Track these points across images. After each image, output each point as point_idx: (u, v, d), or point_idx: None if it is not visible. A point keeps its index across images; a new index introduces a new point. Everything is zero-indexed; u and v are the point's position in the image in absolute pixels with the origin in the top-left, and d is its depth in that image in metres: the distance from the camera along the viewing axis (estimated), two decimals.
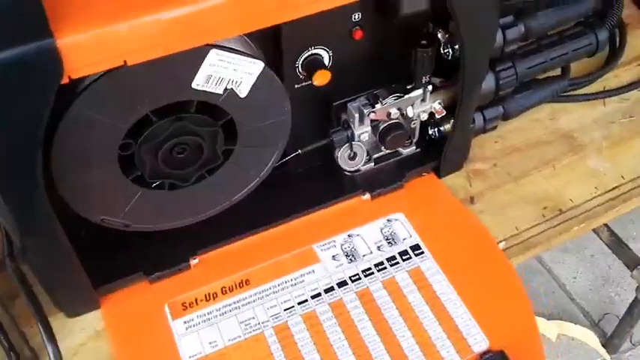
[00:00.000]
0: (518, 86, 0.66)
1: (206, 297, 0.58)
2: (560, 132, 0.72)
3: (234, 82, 0.48)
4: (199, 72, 0.46)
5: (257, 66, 0.48)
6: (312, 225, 0.63)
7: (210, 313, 0.57)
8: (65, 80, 0.40)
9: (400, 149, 0.65)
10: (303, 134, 0.60)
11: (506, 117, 0.68)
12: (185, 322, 0.57)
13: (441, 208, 0.65)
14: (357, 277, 0.60)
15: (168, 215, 0.56)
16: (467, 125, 0.63)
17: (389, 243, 0.62)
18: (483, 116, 0.65)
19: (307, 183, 0.63)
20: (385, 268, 0.60)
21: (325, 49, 0.56)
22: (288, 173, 0.63)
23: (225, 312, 0.57)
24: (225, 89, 0.48)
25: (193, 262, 0.60)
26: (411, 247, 0.62)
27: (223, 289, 0.59)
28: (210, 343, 0.56)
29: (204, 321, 0.57)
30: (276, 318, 0.57)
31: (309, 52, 0.55)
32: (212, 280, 0.59)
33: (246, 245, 0.62)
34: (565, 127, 0.73)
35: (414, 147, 0.65)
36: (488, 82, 0.61)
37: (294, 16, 0.46)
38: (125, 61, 0.42)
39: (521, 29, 0.60)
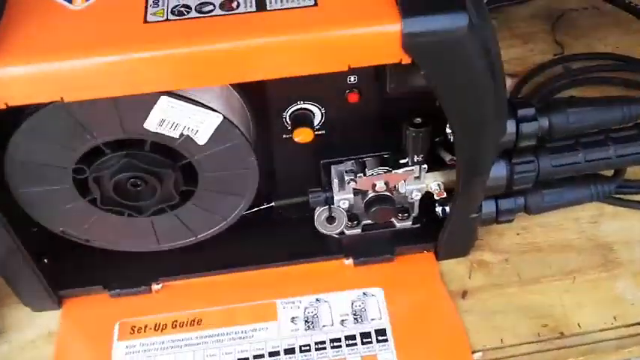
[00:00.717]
0: (548, 181, 0.58)
1: (155, 326, 0.58)
2: (598, 240, 0.63)
3: (190, 129, 0.47)
4: (151, 115, 0.45)
5: (214, 118, 0.46)
6: (283, 277, 0.60)
7: (153, 344, 0.57)
8: (2, 106, 0.41)
9: (394, 221, 0.60)
10: (292, 184, 0.58)
11: (528, 211, 0.60)
12: (127, 347, 0.57)
13: (424, 294, 0.59)
14: (308, 348, 0.56)
15: (129, 239, 0.56)
16: (467, 214, 0.56)
17: (355, 319, 0.58)
18: (497, 205, 0.58)
19: (291, 233, 0.60)
20: (340, 346, 0.56)
21: (317, 106, 0.53)
22: (274, 219, 0.61)
23: (167, 347, 0.57)
24: (182, 134, 0.47)
25: (156, 287, 0.60)
26: (376, 331, 0.57)
27: (174, 322, 0.58)
28: None
29: (145, 351, 0.57)
30: None
31: (299, 106, 0.52)
32: (167, 310, 0.59)
33: (212, 283, 0.60)
34: (605, 236, 0.63)
35: (410, 222, 0.60)
36: (498, 173, 0.54)
37: (243, 79, 0.44)
38: (62, 98, 0.42)
39: (543, 124, 0.52)
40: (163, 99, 0.45)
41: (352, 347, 0.56)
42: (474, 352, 0.56)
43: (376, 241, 0.61)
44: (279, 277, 0.60)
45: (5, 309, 0.60)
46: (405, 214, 0.60)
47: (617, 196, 0.65)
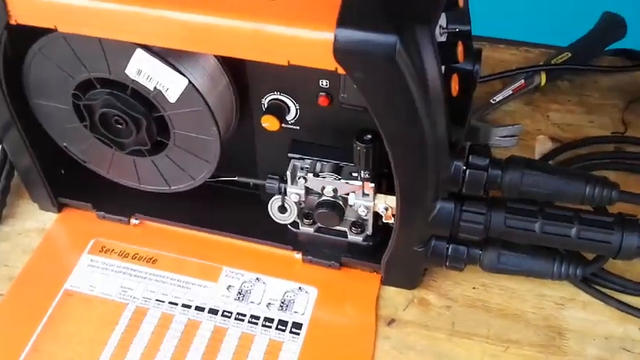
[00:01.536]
0: (508, 241, 0.57)
1: (120, 252, 0.66)
2: (553, 322, 0.59)
3: (162, 85, 0.53)
4: (130, 63, 0.53)
5: (180, 80, 0.53)
6: (237, 249, 0.65)
7: (112, 266, 0.65)
8: (13, 22, 0.51)
9: (347, 232, 0.62)
10: (265, 167, 0.62)
11: (481, 266, 0.59)
12: (91, 260, 0.65)
13: (352, 309, 0.61)
14: (229, 315, 0.61)
15: (116, 171, 0.64)
16: (409, 245, 0.57)
17: (281, 306, 0.61)
18: (447, 248, 0.58)
19: (259, 213, 0.64)
20: (256, 324, 0.60)
21: (292, 101, 0.57)
22: (251, 195, 0.66)
23: (120, 272, 0.64)
24: (155, 88, 0.54)
25: (134, 221, 0.68)
26: (293, 323, 0.60)
27: (135, 254, 0.66)
28: (90, 285, 0.63)
29: (102, 268, 0.65)
30: (145, 301, 0.62)
31: (275, 96, 0.57)
32: (134, 243, 0.66)
33: (177, 233, 0.67)
34: (564, 321, 0.59)
35: (361, 238, 0.61)
36: (444, 213, 0.54)
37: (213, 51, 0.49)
38: (55, 27, 0.50)
39: (494, 177, 0.51)
40: (139, 51, 0.52)
41: (266, 329, 0.60)
42: None
43: (327, 245, 0.63)
44: (234, 247, 0.65)
45: (20, 200, 0.71)
46: (359, 229, 0.61)
47: (597, 287, 0.61)
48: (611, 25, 0.87)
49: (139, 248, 0.66)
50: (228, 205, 0.67)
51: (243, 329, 0.60)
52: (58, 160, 0.66)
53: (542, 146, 0.76)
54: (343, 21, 0.44)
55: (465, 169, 0.52)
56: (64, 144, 0.63)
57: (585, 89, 0.83)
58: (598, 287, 0.61)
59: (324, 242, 0.63)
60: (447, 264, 0.59)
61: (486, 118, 0.79)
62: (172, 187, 0.64)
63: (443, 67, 0.54)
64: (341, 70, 0.46)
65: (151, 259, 0.65)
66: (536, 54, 0.86)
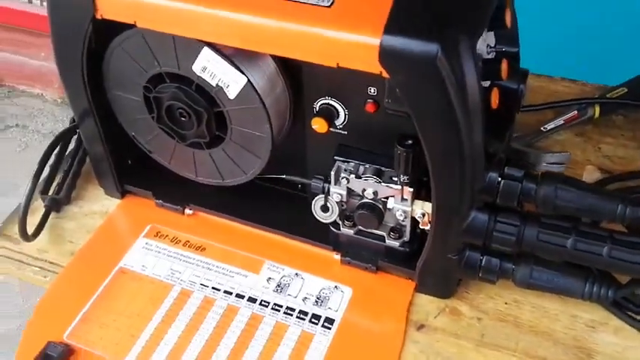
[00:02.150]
0: (541, 257, 0.58)
1: (173, 239, 0.71)
2: (583, 343, 0.60)
3: (223, 83, 0.58)
4: (197, 59, 0.58)
5: (240, 79, 0.57)
6: (281, 244, 0.69)
7: (164, 250, 0.70)
8: (98, 17, 0.57)
9: (386, 237, 0.64)
10: (315, 168, 0.65)
11: (514, 280, 0.60)
12: (146, 244, 0.70)
13: (384, 312, 0.63)
14: (266, 304, 0.64)
15: (177, 163, 0.69)
16: (443, 252, 0.59)
17: (316, 302, 0.64)
18: (481, 260, 0.59)
19: (304, 211, 0.67)
20: (291, 315, 0.63)
21: (342, 107, 0.60)
22: (298, 194, 0.70)
23: (171, 256, 0.69)
24: (217, 85, 0.59)
25: (188, 211, 0.72)
26: (326, 318, 0.63)
27: (187, 242, 0.70)
28: (142, 265, 0.68)
29: (155, 251, 0.69)
30: (190, 284, 0.66)
31: (326, 100, 0.60)
32: (187, 231, 0.71)
33: (227, 225, 0.71)
34: (594, 344, 0.60)
35: (398, 243, 0.64)
36: (478, 222, 0.56)
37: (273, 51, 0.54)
38: (135, 22, 0.56)
39: (528, 190, 0.53)
40: (205, 49, 0.57)
41: (300, 320, 0.63)
42: None
43: (365, 248, 0.66)
44: (278, 243, 0.69)
45: (89, 184, 0.77)
46: (397, 234, 0.64)
47: (630, 313, 0.61)
48: None
49: (190, 236, 0.71)
50: (275, 203, 0.71)
51: (278, 319, 0.63)
52: (126, 151, 0.72)
53: (590, 176, 0.76)
54: (390, 28, 0.48)
55: (500, 180, 0.54)
56: (133, 134, 0.69)
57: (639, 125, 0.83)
58: (631, 313, 0.62)
59: (363, 245, 0.66)
60: (480, 275, 0.61)
61: (536, 145, 0.80)
62: (226, 181, 0.68)
63: (488, 83, 0.57)
64: (385, 74, 0.50)
65: (200, 247, 0.70)
66: (591, 88, 0.87)
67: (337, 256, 0.67)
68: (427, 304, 0.64)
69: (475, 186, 0.54)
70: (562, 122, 0.82)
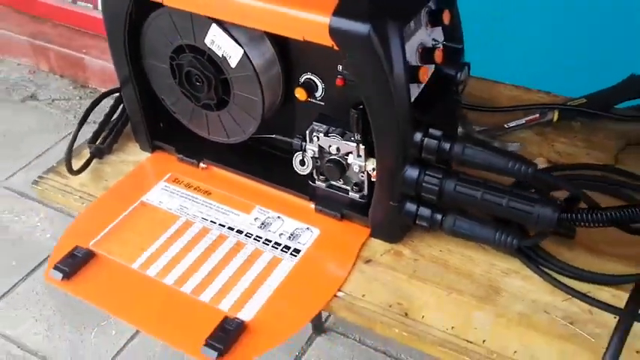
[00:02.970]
0: (464, 210, 0.72)
1: (187, 184, 0.89)
2: (494, 284, 0.73)
3: (227, 54, 0.76)
4: (207, 34, 0.76)
5: (238, 51, 0.75)
6: (269, 193, 0.86)
7: (178, 191, 0.88)
8: None
9: (350, 191, 0.80)
10: (301, 130, 0.82)
11: (442, 229, 0.74)
12: (165, 186, 0.89)
13: (340, 248, 0.78)
14: (250, 235, 0.81)
15: (194, 121, 0.87)
16: (386, 200, 0.74)
17: (289, 237, 0.80)
18: (417, 208, 0.74)
19: (289, 169, 0.83)
20: (267, 245, 0.80)
21: (320, 81, 0.77)
22: (287, 157, 0.86)
23: (182, 196, 0.87)
24: (223, 55, 0.77)
25: (202, 165, 0.90)
26: (294, 249, 0.79)
27: (197, 187, 0.88)
28: (159, 201, 0.86)
29: (171, 192, 0.88)
30: (193, 217, 0.84)
31: (309, 75, 0.77)
32: (199, 180, 0.89)
33: (229, 176, 0.89)
34: (504, 286, 0.73)
35: (358, 196, 0.79)
36: (411, 174, 0.71)
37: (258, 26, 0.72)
38: (162, 2, 0.75)
39: (444, 147, 0.68)
40: (214, 26, 0.75)
41: (273, 249, 0.79)
42: (339, 291, 0.73)
43: (334, 199, 0.82)
44: (267, 192, 0.86)
45: (129, 141, 0.96)
46: (358, 188, 0.79)
47: (541, 267, 0.74)
48: (633, 84, 1.00)
49: (200, 183, 0.89)
50: (268, 161, 0.88)
51: (257, 246, 0.79)
52: (158, 114, 0.91)
53: (542, 165, 0.90)
54: (337, 11, 0.65)
55: (423, 138, 0.69)
56: (162, 97, 0.88)
57: (594, 131, 0.96)
58: (541, 267, 0.75)
59: (332, 197, 0.82)
60: (416, 222, 0.75)
61: (500, 138, 0.94)
62: (230, 139, 0.86)
63: (432, 67, 0.73)
64: (335, 47, 0.66)
65: (206, 191, 0.87)
66: (560, 98, 1.01)
67: (312, 205, 0.83)
68: (377, 246, 0.79)
69: (405, 143, 0.70)
70: (524, 122, 0.96)
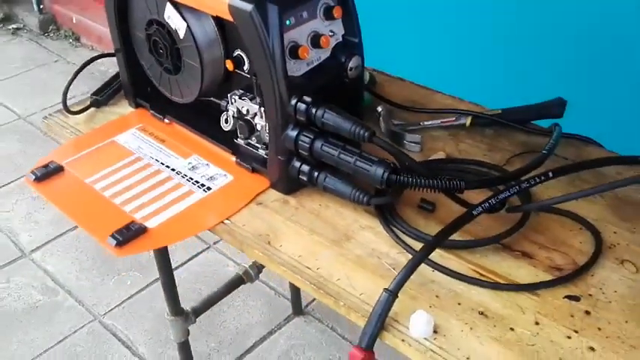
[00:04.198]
0: (336, 169, 0.89)
1: (150, 133, 1.12)
2: (349, 234, 0.89)
3: (177, 27, 0.98)
4: (165, 10, 0.99)
5: (183, 24, 0.97)
6: (205, 146, 1.06)
7: (142, 136, 1.11)
8: None
9: (260, 148, 0.99)
10: None
11: (318, 184, 0.91)
12: (134, 132, 1.12)
13: (241, 191, 0.97)
14: (179, 173, 1.02)
15: (162, 84, 1.10)
16: (276, 158, 0.92)
17: (208, 178, 1.00)
18: (300, 165, 0.92)
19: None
20: (189, 181, 1.00)
21: (246, 56, 0.97)
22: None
23: (143, 140, 1.10)
24: (175, 28, 0.99)
25: (166, 120, 1.12)
26: (208, 186, 0.98)
27: (157, 136, 1.10)
28: (125, 141, 1.09)
29: (136, 137, 1.11)
30: (144, 155, 1.06)
31: (238, 52, 0.98)
32: (161, 131, 1.11)
33: (181, 130, 1.10)
34: (355, 235, 0.89)
35: (264, 152, 0.98)
36: (291, 135, 0.89)
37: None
38: None
39: (311, 111, 0.85)
40: (168, 4, 0.98)
41: (192, 184, 1.00)
42: (227, 219, 0.92)
43: (248, 154, 1.01)
44: (204, 144, 1.07)
45: (121, 97, 1.20)
46: (265, 146, 0.98)
47: (393, 227, 0.89)
48: (553, 106, 1.12)
49: (159, 133, 1.11)
50: (211, 120, 1.07)
51: (181, 181, 1.00)
52: (142, 77, 1.15)
53: (435, 155, 1.04)
54: None
55: (296, 103, 0.87)
56: (142, 62, 1.12)
57: (501, 139, 1.09)
58: (393, 227, 0.89)
59: (247, 152, 1.02)
60: (299, 176, 0.93)
61: (410, 133, 1.09)
62: (184, 98, 1.08)
63: (320, 51, 0.91)
64: (235, 22, 0.87)
65: (162, 140, 1.10)
66: (479, 108, 1.14)
67: (233, 158, 1.03)
68: (272, 194, 0.97)
69: (283, 106, 0.88)
70: (439, 122, 1.10)
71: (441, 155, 1.05)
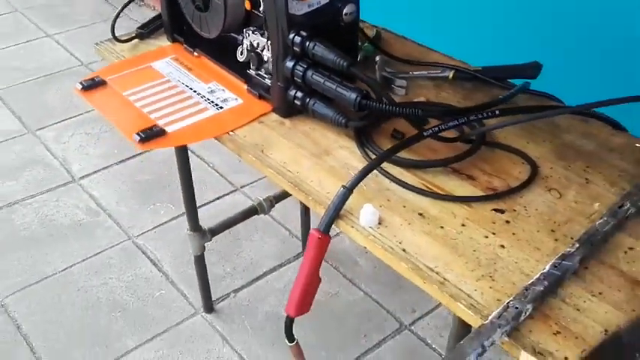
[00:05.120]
0: (325, 96, 1.07)
1: (181, 62, 1.32)
2: (328, 151, 1.07)
3: None
4: None
5: None
6: (224, 75, 1.26)
7: (173, 65, 1.31)
8: None
9: (267, 78, 1.17)
10: None
11: (309, 110, 1.09)
12: (167, 60, 1.33)
13: (246, 114, 1.17)
14: (199, 94, 1.22)
15: (194, 21, 1.30)
16: (276, 84, 1.11)
17: (222, 101, 1.20)
18: (295, 92, 1.10)
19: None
20: (206, 101, 1.20)
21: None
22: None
23: (174, 67, 1.30)
24: None
25: (195, 53, 1.32)
26: (220, 106, 1.18)
27: (186, 65, 1.31)
28: (160, 67, 1.30)
29: (169, 64, 1.31)
30: (173, 79, 1.26)
31: None
32: (189, 62, 1.32)
33: (206, 61, 1.30)
34: (334, 152, 1.07)
35: (269, 82, 1.16)
36: (288, 65, 1.07)
37: None
38: None
39: (304, 43, 1.03)
40: None
41: (208, 103, 1.19)
42: (232, 132, 1.12)
43: (258, 83, 1.20)
44: (223, 73, 1.26)
45: (160, 34, 1.41)
46: (270, 76, 1.17)
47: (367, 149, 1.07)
48: (529, 68, 1.26)
49: (188, 63, 1.32)
50: (231, 52, 1.27)
51: (199, 100, 1.20)
52: (177, 16, 1.35)
53: (417, 99, 1.21)
54: None
55: (294, 36, 1.05)
56: (180, 1, 1.32)
57: (477, 92, 1.24)
58: (365, 149, 1.07)
59: (256, 81, 1.20)
60: (294, 102, 1.11)
61: (397, 77, 1.25)
62: (210, 34, 1.27)
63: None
64: None
65: (190, 68, 1.30)
66: (463, 64, 1.30)
67: (245, 86, 1.22)
68: (273, 117, 1.16)
69: (284, 38, 1.06)
70: (426, 73, 1.27)
71: (421, 99, 1.22)
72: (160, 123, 1.15)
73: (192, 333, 1.78)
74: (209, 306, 1.82)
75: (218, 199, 2.25)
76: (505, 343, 0.77)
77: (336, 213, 0.93)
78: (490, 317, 0.77)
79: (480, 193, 0.99)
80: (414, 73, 1.28)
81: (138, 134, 1.10)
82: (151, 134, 1.11)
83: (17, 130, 2.60)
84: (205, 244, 1.69)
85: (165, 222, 2.15)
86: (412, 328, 1.79)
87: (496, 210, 0.96)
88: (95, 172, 2.38)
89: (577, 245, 0.85)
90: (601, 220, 0.90)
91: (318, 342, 1.73)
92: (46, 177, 2.35)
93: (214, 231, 1.68)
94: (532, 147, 1.08)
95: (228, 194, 2.27)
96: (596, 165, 1.04)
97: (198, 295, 1.83)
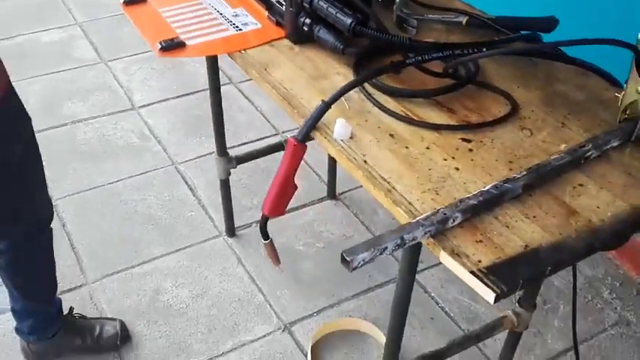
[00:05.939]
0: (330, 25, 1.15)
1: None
2: (326, 75, 1.15)
3: None
4: None
5: None
6: (250, 3, 1.35)
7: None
8: None
9: (283, 5, 1.26)
10: None
11: (313, 36, 1.17)
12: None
13: (261, 37, 1.26)
14: (224, 16, 1.32)
15: None
16: (289, 10, 1.19)
17: (243, 24, 1.30)
18: (304, 18, 1.18)
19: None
20: (229, 23, 1.30)
21: None
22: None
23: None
24: None
25: None
26: (240, 28, 1.28)
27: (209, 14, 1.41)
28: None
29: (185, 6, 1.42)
30: (206, 3, 1.37)
31: None
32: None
33: None
34: (331, 77, 1.14)
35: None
36: None
37: None
38: None
39: None
40: None
41: (230, 24, 1.29)
42: (244, 50, 1.21)
43: (277, 11, 1.29)
44: (250, 1, 1.35)
45: None
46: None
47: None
48: (543, 20, 1.28)
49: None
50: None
51: (222, 21, 1.31)
52: None
53: (426, 39, 1.26)
54: None
55: None
56: None
57: (487, 38, 1.28)
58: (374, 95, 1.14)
59: (276, 9, 1.29)
60: (302, 27, 1.20)
61: (411, 18, 1.31)
62: None
63: None
64: None
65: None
66: (478, 12, 1.33)
67: (266, 13, 1.31)
68: (284, 42, 1.25)
69: None
70: (440, 17, 1.31)
71: (430, 39, 1.27)
72: (183, 37, 1.26)
73: (212, 251, 1.92)
74: (231, 230, 1.95)
75: (259, 139, 2.37)
76: (430, 243, 0.83)
77: (312, 124, 1.02)
78: (418, 218, 0.84)
79: (453, 124, 1.04)
80: (429, 16, 1.33)
81: (160, 43, 1.22)
82: (172, 45, 1.22)
83: (92, 59, 2.81)
84: (236, 176, 1.80)
85: (206, 154, 2.29)
86: (416, 276, 1.85)
87: (463, 139, 1.01)
88: (153, 103, 2.55)
89: (524, 173, 0.90)
90: (557, 156, 0.94)
91: (323, 275, 1.83)
92: (110, 102, 2.55)
93: (240, 159, 1.80)
94: (521, 91, 1.12)
95: (269, 136, 2.39)
96: (578, 113, 1.07)
97: (224, 220, 1.97)
